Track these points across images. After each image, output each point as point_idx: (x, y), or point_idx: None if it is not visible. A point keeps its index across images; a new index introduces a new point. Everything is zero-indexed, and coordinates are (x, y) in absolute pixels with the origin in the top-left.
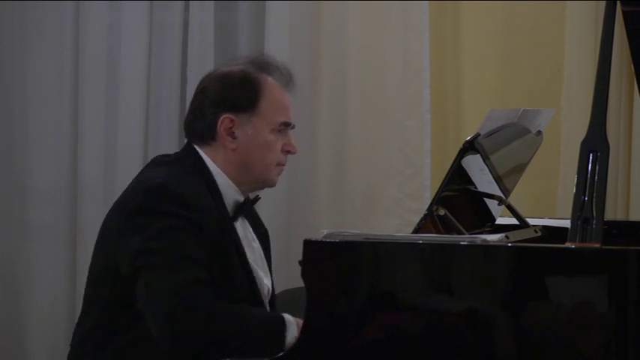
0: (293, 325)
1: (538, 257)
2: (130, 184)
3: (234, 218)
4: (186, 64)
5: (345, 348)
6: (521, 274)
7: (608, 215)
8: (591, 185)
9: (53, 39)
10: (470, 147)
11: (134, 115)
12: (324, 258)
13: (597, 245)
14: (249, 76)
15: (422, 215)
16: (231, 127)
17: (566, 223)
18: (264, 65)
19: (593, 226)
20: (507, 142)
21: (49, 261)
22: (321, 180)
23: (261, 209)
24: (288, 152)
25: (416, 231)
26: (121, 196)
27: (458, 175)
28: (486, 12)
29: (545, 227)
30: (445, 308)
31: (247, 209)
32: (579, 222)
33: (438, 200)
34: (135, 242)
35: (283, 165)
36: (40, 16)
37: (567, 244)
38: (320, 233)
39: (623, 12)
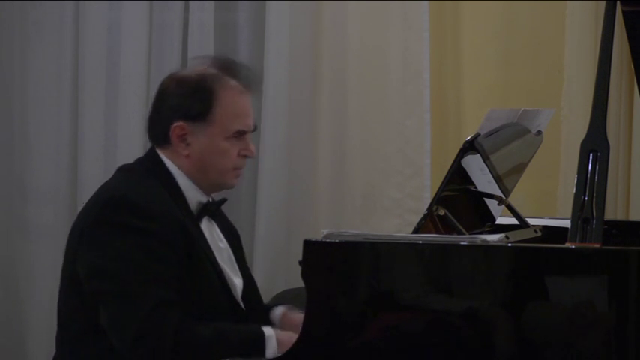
0: (272, 339)
1: (538, 257)
2: (93, 194)
3: (199, 219)
4: (186, 64)
5: (345, 348)
6: (521, 274)
7: (608, 215)
8: (591, 185)
9: (53, 39)
10: (470, 147)
11: (134, 115)
12: (324, 258)
13: (597, 245)
14: (205, 83)
15: (422, 215)
16: (183, 135)
17: (566, 223)
18: (228, 67)
19: (593, 226)
20: (507, 142)
21: (49, 261)
22: (321, 180)
23: (262, 209)
24: (246, 156)
25: (416, 231)
26: (84, 206)
27: (458, 175)
28: (486, 12)
29: (545, 227)
30: (445, 308)
31: (212, 210)
32: (579, 222)
33: (438, 200)
34: (93, 257)
35: (240, 169)
36: (40, 16)
37: (567, 244)
38: (320, 233)
39: (623, 12)
